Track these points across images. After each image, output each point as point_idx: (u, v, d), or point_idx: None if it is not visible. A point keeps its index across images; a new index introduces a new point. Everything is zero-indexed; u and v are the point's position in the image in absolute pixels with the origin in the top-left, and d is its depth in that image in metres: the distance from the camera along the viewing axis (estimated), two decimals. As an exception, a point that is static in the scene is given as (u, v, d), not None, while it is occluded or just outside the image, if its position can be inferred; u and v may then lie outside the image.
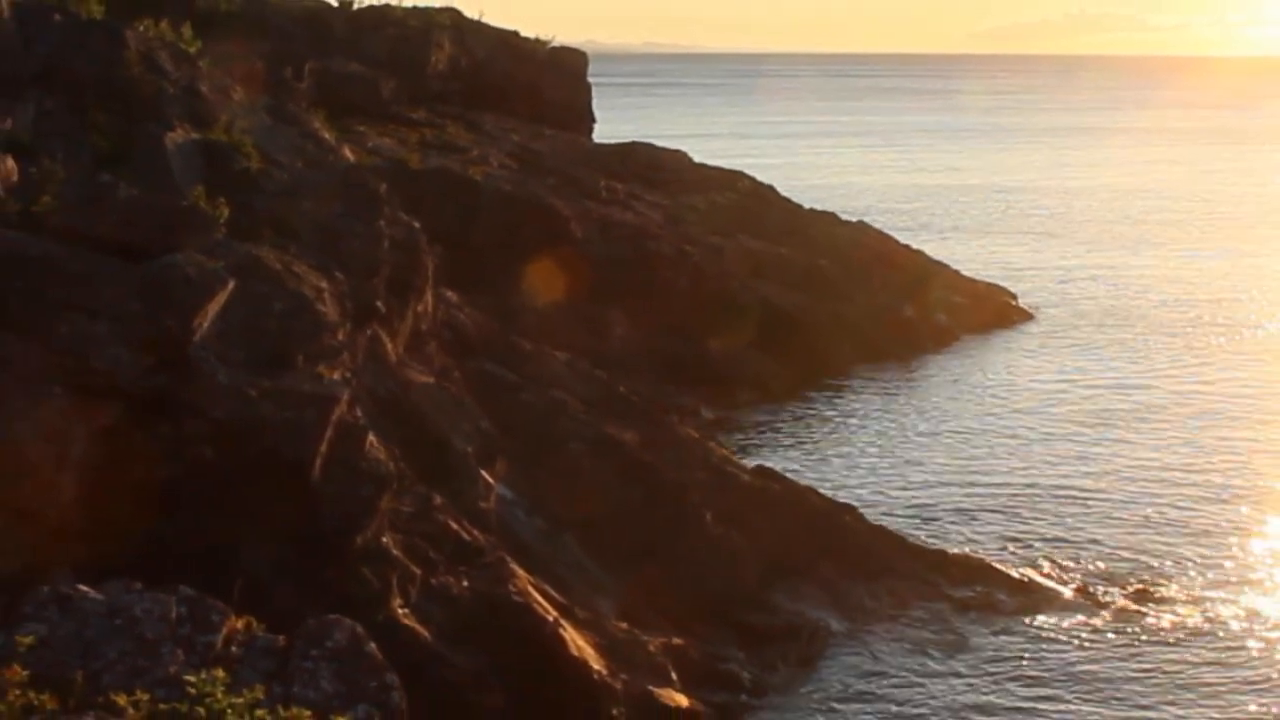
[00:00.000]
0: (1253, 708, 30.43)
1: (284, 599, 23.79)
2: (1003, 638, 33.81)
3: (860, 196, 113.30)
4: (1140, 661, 32.70)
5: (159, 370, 25.94)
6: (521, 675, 26.97)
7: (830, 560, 36.27)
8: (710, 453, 40.23)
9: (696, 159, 77.98)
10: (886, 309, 65.43)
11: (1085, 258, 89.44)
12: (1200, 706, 30.55)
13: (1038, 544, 39.62)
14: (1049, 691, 31.22)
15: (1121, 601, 35.75)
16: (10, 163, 28.29)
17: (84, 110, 32.18)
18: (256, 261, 28.92)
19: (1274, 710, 30.43)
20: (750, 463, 42.22)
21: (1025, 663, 32.56)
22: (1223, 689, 31.32)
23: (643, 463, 37.31)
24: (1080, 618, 34.96)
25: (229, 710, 13.25)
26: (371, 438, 28.23)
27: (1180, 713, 30.31)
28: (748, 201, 72.10)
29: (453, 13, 77.48)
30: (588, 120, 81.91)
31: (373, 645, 17.14)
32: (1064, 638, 33.88)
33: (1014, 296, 73.68)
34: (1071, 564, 38.13)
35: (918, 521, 41.18)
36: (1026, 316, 71.16)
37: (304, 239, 32.41)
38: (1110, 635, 34.04)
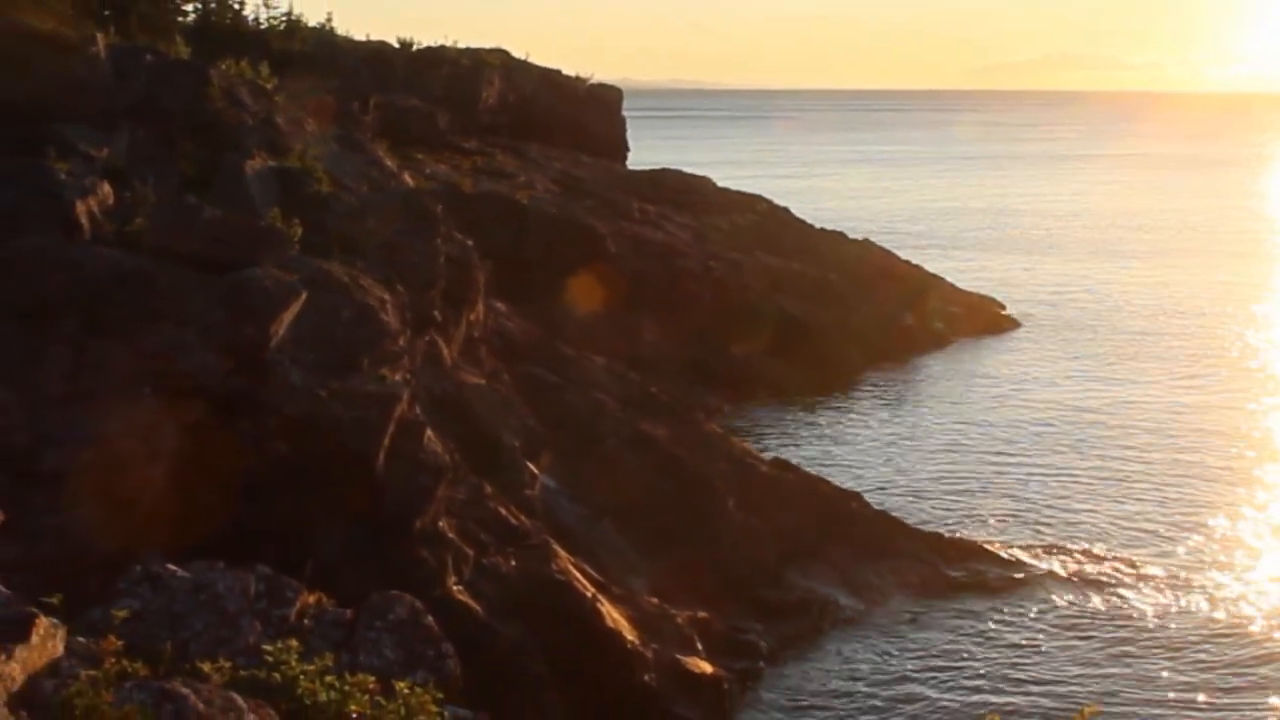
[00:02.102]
0: (1231, 680, 30.20)
1: (351, 577, 23.75)
2: (994, 612, 33.69)
3: (866, 217, 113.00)
4: (1117, 632, 32.55)
5: (239, 373, 25.94)
6: (563, 645, 26.95)
7: (839, 542, 36.18)
8: (732, 446, 40.15)
9: (720, 184, 77.85)
10: (889, 317, 65.32)
11: (1067, 271, 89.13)
12: (1177, 673, 30.41)
13: (1025, 527, 39.49)
14: (1034, 658, 31.11)
15: (1102, 581, 35.60)
16: (107, 187, 28.33)
17: (172, 140, 32.21)
18: (326, 275, 28.91)
19: (1247, 676, 30.27)
20: (767, 455, 42.12)
21: (1013, 634, 32.43)
22: (1196, 658, 31.15)
23: (672, 455, 37.26)
24: (1063, 593, 34.82)
25: (301, 676, 13.17)
26: (429, 433, 28.21)
27: (1156, 679, 30.17)
28: (765, 222, 72.01)
29: (502, 53, 77.51)
30: (622, 149, 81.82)
31: (430, 618, 17.06)
32: (1048, 611, 33.75)
33: (1003, 306, 73.45)
34: (1055, 544, 37.97)
35: (917, 507, 41.05)
36: (1014, 324, 70.96)
37: (369, 255, 32.40)
38: (1091, 608, 33.89)
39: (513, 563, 28.26)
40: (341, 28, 79.89)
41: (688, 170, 79.77)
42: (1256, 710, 28.87)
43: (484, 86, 72.57)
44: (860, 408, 54.21)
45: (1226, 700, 29.31)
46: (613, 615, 28.29)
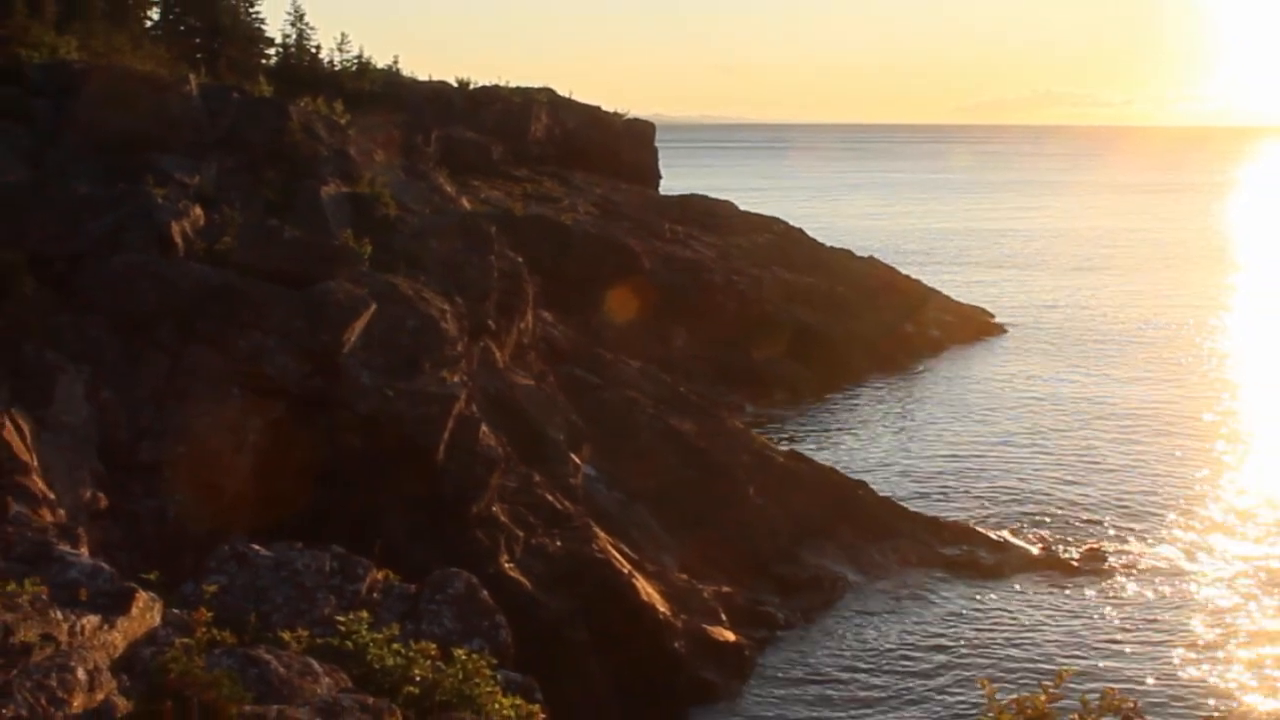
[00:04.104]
0: (1193, 660, 29.96)
1: (414, 556, 23.76)
2: (985, 586, 33.55)
3: (871, 237, 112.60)
4: (1098, 604, 32.39)
5: (316, 375, 26.01)
6: (603, 616, 26.92)
7: (847, 525, 36.09)
8: (752, 440, 40.06)
9: (741, 207, 77.68)
10: (891, 326, 65.11)
11: (1049, 284, 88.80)
12: (1151, 642, 30.23)
13: (1013, 512, 39.26)
14: (1022, 627, 30.96)
15: (1080, 559, 35.42)
16: (198, 210, 28.46)
17: (256, 169, 32.35)
18: (393, 288, 28.96)
19: (1225, 649, 30.08)
20: (783, 447, 42.01)
21: (1002, 606, 32.30)
22: (1165, 635, 30.98)
23: (699, 448, 37.20)
24: (1046, 572, 34.67)
25: (371, 644, 13.19)
26: (484, 428, 28.23)
27: (1131, 646, 30.00)
28: (782, 241, 71.84)
29: (549, 91, 77.66)
30: (655, 176, 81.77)
31: (485, 592, 17.07)
32: (1034, 586, 33.60)
33: (992, 315, 73.21)
34: (1040, 528, 37.77)
35: (916, 493, 40.89)
36: (1001, 331, 70.74)
37: (431, 270, 32.46)
38: (1073, 583, 33.73)
39: (558, 543, 28.26)
40: (407, 69, 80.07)
41: (713, 195, 79.68)
42: (1240, 681, 28.66)
43: (533, 121, 72.70)
44: (866, 405, 54.06)
45: (1206, 668, 29.11)
46: (646, 589, 28.26)
